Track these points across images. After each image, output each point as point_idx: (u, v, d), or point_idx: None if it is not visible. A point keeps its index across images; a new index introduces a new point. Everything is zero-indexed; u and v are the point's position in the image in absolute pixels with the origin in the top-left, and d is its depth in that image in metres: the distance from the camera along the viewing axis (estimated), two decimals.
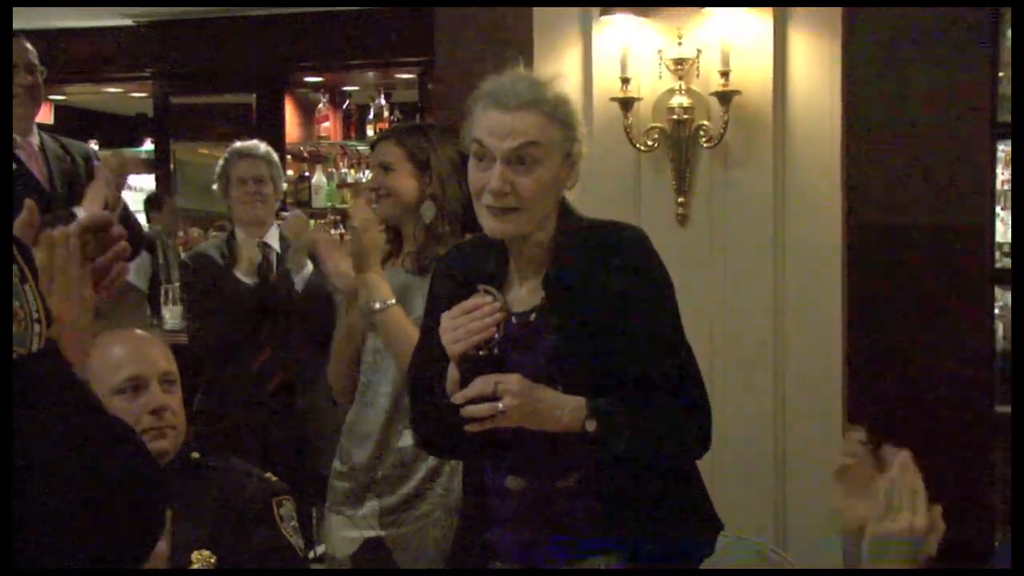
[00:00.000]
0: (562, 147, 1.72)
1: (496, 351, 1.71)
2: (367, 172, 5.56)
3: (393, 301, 2.33)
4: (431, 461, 2.38)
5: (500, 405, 1.62)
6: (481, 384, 1.63)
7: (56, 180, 3.07)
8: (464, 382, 1.66)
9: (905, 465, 1.39)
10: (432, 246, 2.40)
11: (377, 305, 2.33)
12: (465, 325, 1.68)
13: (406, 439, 2.38)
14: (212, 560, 1.85)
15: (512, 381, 1.64)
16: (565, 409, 1.66)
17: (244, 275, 3.17)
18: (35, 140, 3.09)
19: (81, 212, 2.94)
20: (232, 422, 3.18)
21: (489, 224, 1.73)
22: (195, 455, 1.96)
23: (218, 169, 3.35)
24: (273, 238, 3.28)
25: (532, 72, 1.77)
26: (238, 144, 3.34)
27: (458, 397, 1.64)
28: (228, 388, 3.23)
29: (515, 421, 1.64)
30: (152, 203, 5.74)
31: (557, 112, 1.70)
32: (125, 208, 3.19)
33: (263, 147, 3.33)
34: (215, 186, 3.35)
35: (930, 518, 1.39)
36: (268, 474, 2.00)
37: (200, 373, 3.23)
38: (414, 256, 2.43)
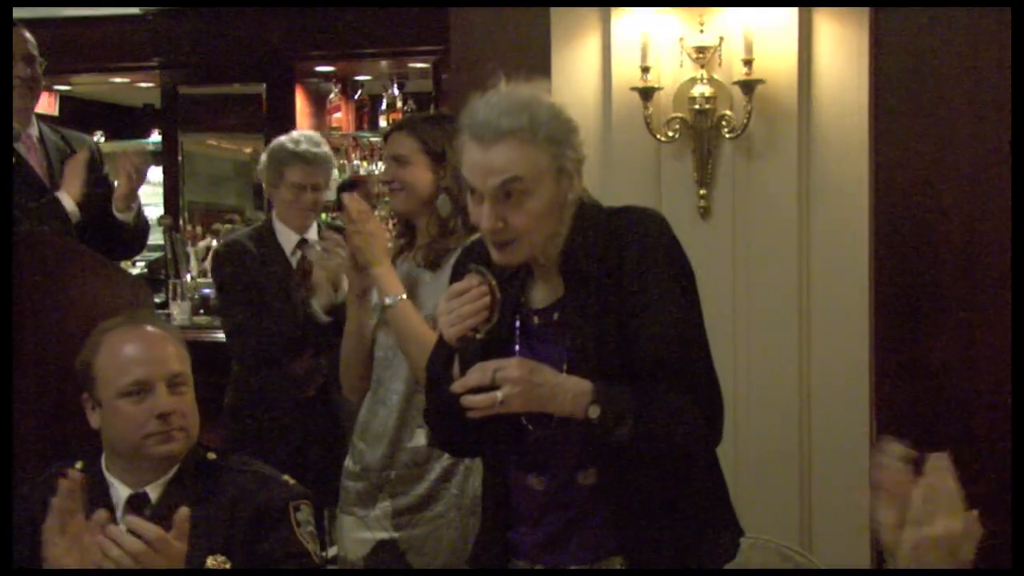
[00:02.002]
0: (551, 167, 1.67)
1: (493, 333, 1.69)
2: (380, 164, 5.51)
3: (403, 296, 2.29)
4: (445, 461, 2.35)
5: (499, 395, 1.58)
6: (479, 373, 1.60)
7: (56, 172, 3.03)
8: (463, 367, 1.64)
9: (940, 467, 1.35)
10: (445, 240, 2.36)
11: (387, 300, 2.29)
12: (457, 309, 1.67)
13: (419, 438, 2.36)
14: (227, 565, 1.83)
15: (511, 367, 1.60)
16: (568, 393, 1.62)
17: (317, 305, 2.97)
18: (34, 132, 3.06)
19: (64, 196, 2.91)
20: (268, 422, 3.09)
21: (495, 255, 1.71)
22: (211, 455, 1.94)
23: (266, 158, 3.17)
24: (313, 233, 3.16)
25: (517, 84, 1.70)
26: (301, 145, 3.12)
27: (457, 386, 1.61)
28: (264, 388, 3.13)
29: (516, 408, 1.61)
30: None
31: (539, 134, 1.65)
32: (139, 206, 3.17)
33: (323, 149, 3.16)
34: (261, 168, 3.17)
35: (966, 522, 1.34)
36: (286, 477, 1.96)
37: (216, 369, 3.16)
38: (426, 250, 2.39)
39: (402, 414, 2.38)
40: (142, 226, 3.19)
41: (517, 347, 1.74)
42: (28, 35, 3.03)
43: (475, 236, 2.32)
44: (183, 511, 1.70)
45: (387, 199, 2.47)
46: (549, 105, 1.69)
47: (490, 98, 1.68)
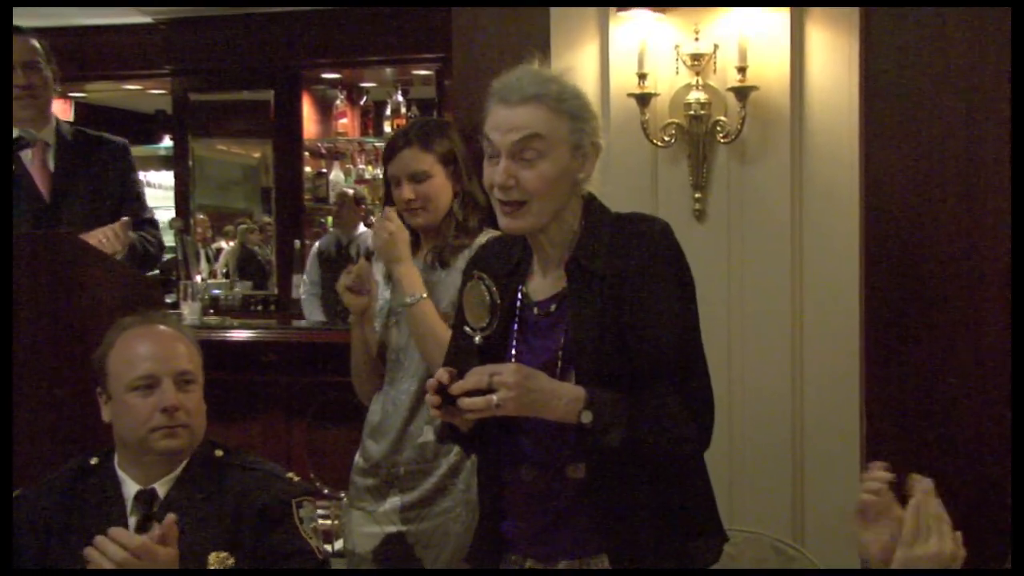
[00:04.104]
0: (569, 139, 1.74)
1: (492, 337, 1.74)
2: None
3: (424, 295, 2.34)
4: (452, 457, 2.40)
5: (494, 398, 1.63)
6: (476, 377, 1.64)
7: (59, 184, 2.98)
8: (462, 368, 1.69)
9: (929, 491, 1.42)
10: (461, 239, 2.41)
11: (408, 299, 2.34)
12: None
13: (427, 434, 2.41)
14: (230, 562, 1.87)
15: (507, 372, 1.64)
16: (562, 400, 1.66)
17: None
18: (49, 138, 3.02)
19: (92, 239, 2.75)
20: None
21: (502, 221, 1.77)
22: (219, 452, 1.98)
23: None
24: None
25: (545, 67, 1.79)
26: None
27: (455, 389, 1.65)
28: None
29: (511, 412, 1.65)
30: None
31: (563, 105, 1.73)
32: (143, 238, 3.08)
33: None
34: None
35: (956, 542, 1.41)
36: (291, 474, 2.00)
37: (226, 367, 3.15)
38: (438, 251, 2.44)
39: (411, 412, 2.42)
40: (148, 254, 3.10)
41: (514, 338, 1.79)
42: (34, 42, 2.98)
43: (480, 238, 2.40)
44: (170, 517, 1.74)
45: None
46: (577, 88, 1.77)
47: (522, 68, 1.76)
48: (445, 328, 2.26)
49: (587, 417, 1.65)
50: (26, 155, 2.99)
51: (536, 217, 1.74)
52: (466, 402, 1.64)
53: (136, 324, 1.99)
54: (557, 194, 1.74)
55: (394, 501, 2.45)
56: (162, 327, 2.01)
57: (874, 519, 1.54)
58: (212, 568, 1.85)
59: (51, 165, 3.02)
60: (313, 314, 5.41)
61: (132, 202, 3.12)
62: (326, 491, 2.88)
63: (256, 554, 1.88)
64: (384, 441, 2.46)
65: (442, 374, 1.68)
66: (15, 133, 2.95)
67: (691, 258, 1.80)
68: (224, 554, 1.86)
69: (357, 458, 2.54)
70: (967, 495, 3.02)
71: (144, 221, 3.15)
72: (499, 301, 1.76)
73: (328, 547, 3.24)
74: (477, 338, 1.77)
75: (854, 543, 2.92)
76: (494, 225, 2.11)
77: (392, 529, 2.45)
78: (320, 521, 2.04)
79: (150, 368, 1.92)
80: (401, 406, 2.44)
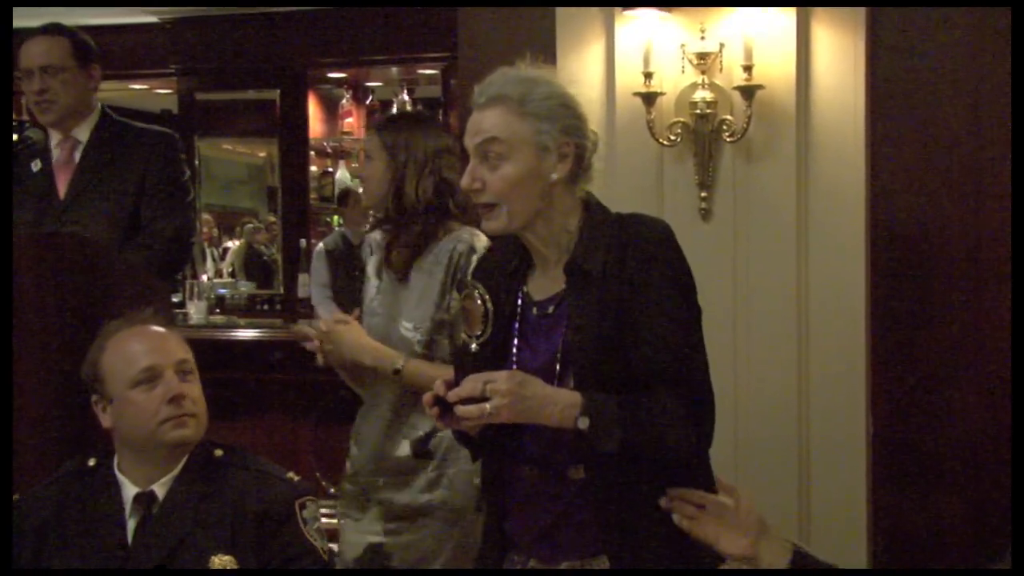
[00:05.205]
0: (534, 141, 1.72)
1: (487, 344, 1.76)
2: None
3: (404, 360, 2.36)
4: (430, 472, 2.39)
5: (488, 406, 1.63)
6: (471, 384, 1.65)
7: (78, 182, 2.90)
8: (459, 373, 1.70)
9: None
10: (399, 247, 2.40)
11: (392, 372, 2.36)
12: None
13: (404, 448, 2.40)
14: (232, 566, 1.86)
15: (501, 379, 1.65)
16: (557, 406, 1.66)
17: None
18: (83, 135, 2.95)
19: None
20: None
21: (482, 223, 1.79)
22: (218, 452, 1.97)
23: None
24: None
25: (539, 66, 1.77)
26: None
27: (451, 396, 1.66)
28: None
29: (506, 419, 1.65)
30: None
31: (526, 107, 1.72)
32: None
33: None
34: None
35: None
36: (291, 474, 2.00)
37: (229, 367, 3.16)
38: (400, 258, 2.43)
39: (389, 424, 2.42)
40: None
41: (516, 337, 1.80)
42: (61, 43, 2.89)
43: (445, 243, 2.37)
44: None
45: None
46: (553, 87, 1.75)
47: (500, 71, 1.77)
48: (438, 370, 2.26)
49: (584, 423, 1.65)
50: (56, 153, 2.92)
51: (510, 218, 1.75)
52: (461, 410, 1.65)
53: (124, 327, 1.99)
54: (527, 195, 1.74)
55: (375, 511, 2.44)
56: (151, 326, 2.01)
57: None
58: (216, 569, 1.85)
59: (72, 167, 2.94)
60: (329, 315, 5.37)
61: (150, 199, 2.93)
62: (332, 490, 2.88)
63: (260, 557, 1.88)
64: (365, 450, 2.46)
65: (439, 386, 1.69)
66: (32, 132, 2.90)
67: (696, 257, 1.80)
68: (228, 558, 1.86)
69: (348, 464, 2.55)
70: (969, 493, 3.03)
71: (155, 219, 2.92)
72: (492, 308, 1.77)
73: (332, 546, 3.25)
74: (473, 345, 1.78)
75: (859, 541, 2.97)
76: (477, 227, 2.12)
77: (373, 539, 2.44)
78: (324, 520, 2.03)
79: (150, 361, 1.92)
80: (380, 416, 2.44)
